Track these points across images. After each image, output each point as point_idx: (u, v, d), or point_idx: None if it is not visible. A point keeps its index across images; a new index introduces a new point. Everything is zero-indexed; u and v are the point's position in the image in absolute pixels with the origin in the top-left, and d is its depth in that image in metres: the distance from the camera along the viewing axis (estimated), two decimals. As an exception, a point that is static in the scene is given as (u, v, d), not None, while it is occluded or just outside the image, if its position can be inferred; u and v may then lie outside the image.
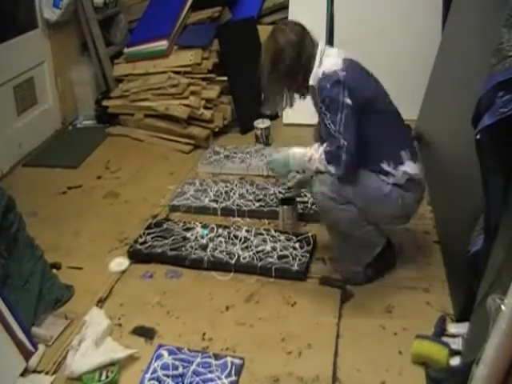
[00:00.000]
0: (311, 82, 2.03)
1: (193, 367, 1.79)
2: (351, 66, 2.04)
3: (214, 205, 2.74)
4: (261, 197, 2.77)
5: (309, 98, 2.16)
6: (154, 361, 1.83)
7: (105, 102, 3.80)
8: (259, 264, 2.26)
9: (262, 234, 2.45)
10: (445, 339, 1.78)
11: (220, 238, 2.45)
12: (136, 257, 2.41)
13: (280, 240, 2.41)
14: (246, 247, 2.38)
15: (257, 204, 2.72)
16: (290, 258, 2.28)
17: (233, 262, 2.29)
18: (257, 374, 1.79)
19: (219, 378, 1.75)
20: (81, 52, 4.03)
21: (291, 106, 2.17)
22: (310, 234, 2.42)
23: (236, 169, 3.13)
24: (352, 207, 2.00)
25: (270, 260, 2.28)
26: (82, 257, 2.44)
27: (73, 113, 3.96)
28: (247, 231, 2.48)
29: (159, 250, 2.40)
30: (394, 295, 2.09)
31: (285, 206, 2.52)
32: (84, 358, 1.80)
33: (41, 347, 1.92)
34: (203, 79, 3.57)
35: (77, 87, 3.93)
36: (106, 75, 3.92)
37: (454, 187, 2.30)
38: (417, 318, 1.97)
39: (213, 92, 3.57)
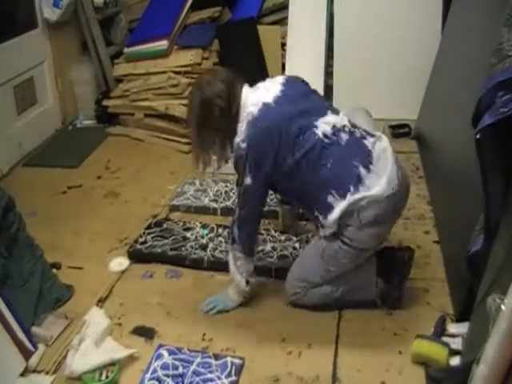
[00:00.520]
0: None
1: (193, 367, 1.79)
2: (254, 130, 1.83)
3: (214, 205, 2.74)
4: (261, 197, 2.77)
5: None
6: (154, 361, 1.83)
7: (105, 102, 3.80)
8: (259, 264, 2.26)
9: (261, 234, 2.45)
10: (445, 339, 1.78)
11: (220, 238, 2.45)
12: (136, 257, 2.41)
13: (280, 240, 2.41)
14: (246, 247, 2.37)
15: (257, 204, 2.71)
16: (290, 258, 2.28)
17: (233, 261, 2.29)
18: (257, 373, 1.79)
19: (219, 378, 1.75)
20: (81, 52, 4.03)
21: (226, 162, 2.00)
22: (309, 234, 2.42)
23: (236, 169, 3.13)
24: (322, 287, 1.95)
25: (269, 260, 2.28)
26: (82, 257, 2.44)
27: (73, 113, 3.96)
28: (247, 231, 2.48)
29: (159, 250, 2.40)
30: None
31: (284, 206, 2.52)
32: (84, 357, 1.80)
33: (41, 347, 1.92)
34: (203, 79, 3.56)
35: (77, 87, 3.93)
36: (106, 75, 3.92)
37: (454, 187, 2.30)
38: (417, 318, 1.97)
39: (213, 92, 3.56)
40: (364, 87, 3.67)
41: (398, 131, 3.45)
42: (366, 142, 1.86)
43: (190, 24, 3.78)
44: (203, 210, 2.74)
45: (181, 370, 1.78)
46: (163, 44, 3.64)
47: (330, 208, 1.80)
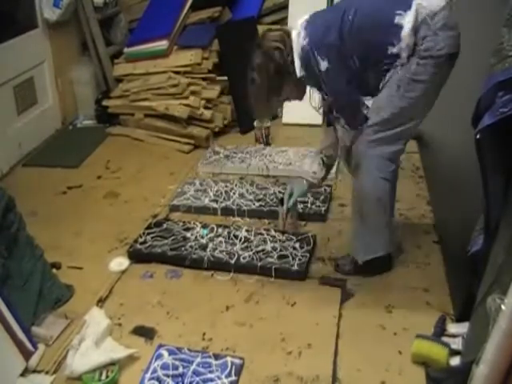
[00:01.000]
0: (298, 73, 2.06)
1: (193, 367, 1.79)
2: (310, 23, 2.08)
3: (214, 205, 2.74)
4: (261, 197, 2.77)
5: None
6: (154, 361, 1.83)
7: (105, 102, 3.80)
8: (259, 264, 2.26)
9: (261, 234, 2.45)
10: (445, 339, 1.78)
11: (220, 238, 2.45)
12: (136, 257, 2.41)
13: (280, 240, 2.41)
14: (246, 247, 2.38)
15: (257, 204, 2.72)
16: (290, 257, 2.28)
17: (233, 261, 2.29)
18: (257, 373, 1.79)
19: (219, 378, 1.75)
20: (81, 52, 4.03)
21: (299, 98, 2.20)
22: (309, 234, 2.42)
23: (236, 169, 3.13)
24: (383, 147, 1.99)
25: (269, 260, 2.28)
26: (82, 257, 2.44)
27: (73, 113, 3.96)
28: (247, 231, 2.48)
29: (159, 250, 2.40)
30: (393, 295, 2.09)
31: (283, 206, 2.52)
32: (84, 357, 1.80)
33: (41, 347, 1.92)
34: (203, 79, 3.57)
35: (77, 87, 3.94)
36: (106, 75, 3.92)
37: (454, 187, 2.31)
38: (417, 318, 1.97)
39: (213, 92, 3.57)
40: (364, 87, 3.67)
41: (397, 131, 3.45)
42: None
43: (189, 24, 3.78)
44: (203, 210, 2.74)
45: (181, 369, 1.78)
46: (163, 44, 3.65)
47: (399, 28, 1.86)
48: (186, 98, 3.46)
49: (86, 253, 2.47)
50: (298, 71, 2.05)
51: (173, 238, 2.48)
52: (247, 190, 2.84)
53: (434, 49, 1.88)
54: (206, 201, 2.78)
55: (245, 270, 2.27)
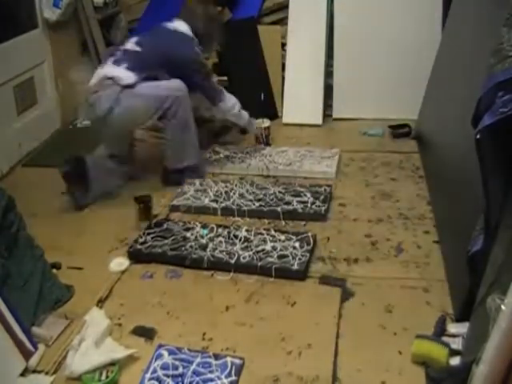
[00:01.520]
0: None
1: (193, 367, 1.79)
2: None
3: (214, 205, 2.74)
4: (261, 197, 2.77)
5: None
6: (154, 361, 1.83)
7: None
8: (259, 264, 2.26)
9: (261, 234, 2.45)
10: (445, 339, 1.78)
11: (220, 238, 2.45)
12: (136, 257, 2.41)
13: (280, 240, 2.41)
14: (246, 247, 2.38)
15: (257, 204, 2.72)
16: (290, 257, 2.28)
17: (233, 261, 2.29)
18: (257, 373, 1.79)
19: (219, 378, 1.75)
20: (81, 52, 4.03)
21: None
22: (309, 234, 2.42)
23: (236, 168, 3.13)
24: None
25: (269, 260, 2.28)
26: (82, 257, 2.44)
27: (73, 113, 3.96)
28: (247, 231, 2.48)
29: (159, 250, 2.40)
30: (393, 295, 2.09)
31: (141, 205, 2.62)
32: (84, 357, 1.80)
33: (41, 347, 1.92)
34: (203, 79, 3.56)
35: (77, 87, 3.93)
36: (106, 75, 3.91)
37: (454, 187, 2.30)
38: (417, 318, 1.96)
39: (213, 92, 3.56)
40: (364, 87, 3.68)
41: (397, 131, 3.46)
42: None
43: (189, 24, 3.77)
44: (203, 210, 2.74)
45: (181, 369, 1.78)
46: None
47: None
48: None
49: (86, 253, 2.47)
50: None
51: (173, 238, 2.48)
52: (247, 190, 2.84)
53: None
54: (206, 201, 2.78)
55: (245, 270, 2.26)
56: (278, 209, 2.64)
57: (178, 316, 2.07)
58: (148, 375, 1.77)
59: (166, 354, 1.85)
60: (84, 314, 2.02)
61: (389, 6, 3.57)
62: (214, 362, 1.81)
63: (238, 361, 1.81)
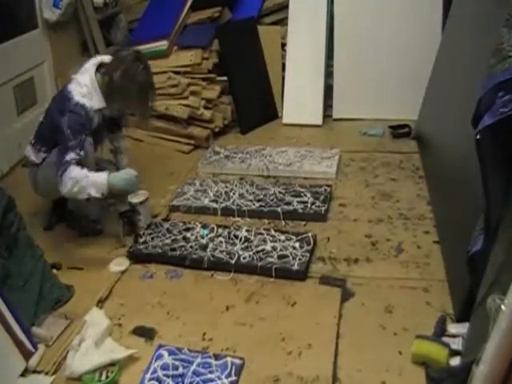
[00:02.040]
0: None
1: (193, 367, 1.79)
2: None
3: (214, 205, 2.74)
4: (261, 197, 2.77)
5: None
6: (154, 361, 1.83)
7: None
8: (259, 264, 2.26)
9: (261, 234, 2.45)
10: (445, 339, 1.78)
11: (220, 238, 2.45)
12: (136, 257, 2.41)
13: (280, 240, 2.41)
14: (246, 247, 2.38)
15: (257, 204, 2.72)
16: (290, 257, 2.28)
17: (233, 261, 2.29)
18: (257, 374, 1.79)
19: (219, 378, 1.75)
20: (81, 52, 4.03)
21: None
22: (310, 234, 2.42)
23: (236, 169, 3.13)
24: None
25: (270, 260, 2.28)
26: (82, 257, 2.44)
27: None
28: (247, 231, 2.48)
29: (159, 250, 2.40)
30: (394, 295, 2.09)
31: (125, 219, 2.51)
32: (84, 358, 1.80)
33: (41, 347, 1.92)
34: (203, 79, 3.57)
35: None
36: (106, 75, 3.91)
37: (454, 187, 2.30)
38: (417, 317, 1.96)
39: (213, 92, 3.57)
40: (364, 87, 3.68)
41: (398, 131, 3.46)
42: None
43: (190, 24, 3.78)
44: (203, 211, 2.74)
45: (181, 370, 1.78)
46: (163, 44, 3.65)
47: None
48: (186, 98, 3.46)
49: (86, 253, 2.47)
50: None
51: (173, 238, 2.48)
52: (247, 190, 2.84)
53: None
54: (206, 201, 2.78)
55: (245, 270, 2.27)
56: (278, 209, 2.64)
57: (178, 316, 2.07)
58: (148, 375, 1.77)
59: (166, 354, 1.85)
60: (84, 314, 2.03)
61: (389, 7, 3.57)
62: (214, 362, 1.81)
63: (238, 361, 1.81)
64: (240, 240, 2.42)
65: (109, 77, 2.34)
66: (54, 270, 2.29)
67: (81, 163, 2.28)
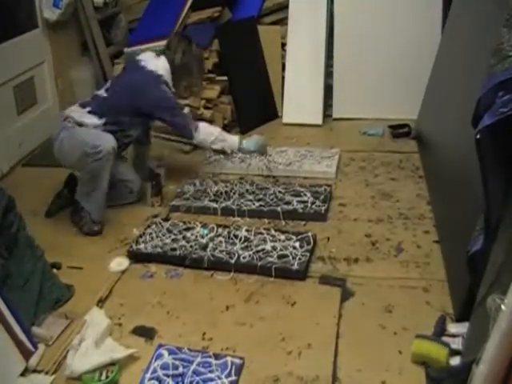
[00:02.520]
0: None
1: (193, 367, 1.79)
2: None
3: (214, 205, 2.74)
4: (261, 196, 2.77)
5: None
6: (154, 360, 1.83)
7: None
8: (259, 263, 2.26)
9: (261, 234, 2.45)
10: (445, 339, 1.78)
11: (220, 238, 2.45)
12: (136, 257, 2.41)
13: (280, 239, 2.41)
14: (246, 247, 2.38)
15: (257, 204, 2.72)
16: (290, 257, 2.28)
17: (233, 261, 2.29)
18: (257, 373, 1.79)
19: (219, 378, 1.75)
20: (81, 52, 4.03)
21: None
22: (309, 234, 2.42)
23: (236, 169, 3.13)
24: None
25: (269, 259, 2.28)
26: (82, 257, 2.44)
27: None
28: (247, 231, 2.48)
29: (159, 250, 2.40)
30: (393, 295, 2.09)
31: (153, 182, 2.80)
32: (84, 357, 1.80)
33: (41, 347, 1.92)
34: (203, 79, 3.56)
35: (77, 87, 3.93)
36: (106, 75, 3.92)
37: (454, 187, 2.30)
38: (417, 317, 1.96)
39: (213, 92, 3.57)
40: (364, 87, 3.68)
41: (397, 131, 3.46)
42: None
43: (189, 24, 3.78)
44: (203, 210, 2.74)
45: (181, 369, 1.78)
46: (163, 44, 3.64)
47: None
48: (186, 98, 3.45)
49: (86, 253, 2.48)
50: None
51: (173, 238, 2.48)
52: (247, 190, 2.85)
53: None
54: (206, 201, 2.78)
55: (245, 270, 2.27)
56: (278, 209, 2.64)
57: (178, 316, 2.07)
58: (148, 375, 1.77)
59: (166, 353, 1.85)
60: (84, 313, 2.02)
61: (389, 7, 3.57)
62: (214, 361, 1.81)
63: (238, 360, 1.81)
64: (240, 240, 2.42)
65: (172, 60, 2.78)
66: (54, 270, 2.29)
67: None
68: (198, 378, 1.75)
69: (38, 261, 2.16)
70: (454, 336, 1.80)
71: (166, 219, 2.67)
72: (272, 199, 2.74)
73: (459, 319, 1.87)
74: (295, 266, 2.23)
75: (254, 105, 3.73)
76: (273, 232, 2.47)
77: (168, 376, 1.76)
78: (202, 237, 2.47)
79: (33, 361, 1.85)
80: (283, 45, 3.82)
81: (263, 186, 2.88)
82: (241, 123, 3.66)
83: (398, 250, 2.35)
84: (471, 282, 1.77)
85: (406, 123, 3.48)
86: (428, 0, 3.51)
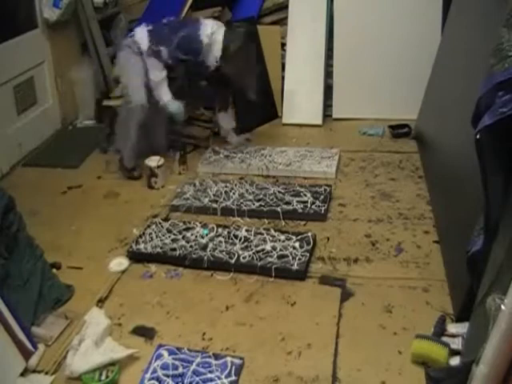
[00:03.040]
0: None
1: (193, 367, 1.79)
2: None
3: (214, 205, 2.74)
4: (260, 197, 2.77)
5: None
6: (153, 361, 1.83)
7: (105, 102, 3.80)
8: (259, 264, 2.26)
9: (261, 234, 2.45)
10: (445, 339, 1.78)
11: (220, 238, 2.45)
12: (136, 257, 2.41)
13: (280, 239, 2.41)
14: (246, 247, 2.38)
15: (257, 204, 2.72)
16: (290, 257, 2.28)
17: (233, 261, 2.29)
18: (257, 373, 1.79)
19: (219, 378, 1.75)
20: (81, 52, 4.03)
21: None
22: (309, 234, 2.42)
23: (236, 169, 3.13)
24: None
25: (269, 259, 2.28)
26: (82, 257, 2.44)
27: (73, 113, 3.96)
28: (247, 231, 2.48)
29: (159, 250, 2.40)
30: (393, 295, 2.09)
31: (181, 152, 3.13)
32: (84, 357, 1.80)
33: (41, 347, 1.92)
34: (203, 79, 3.56)
35: (77, 87, 3.93)
36: (106, 75, 3.92)
37: (454, 187, 2.30)
38: (417, 317, 1.97)
39: (213, 92, 3.56)
40: (364, 87, 3.67)
41: (397, 131, 3.46)
42: None
43: (189, 24, 3.78)
44: (203, 210, 2.74)
45: (181, 369, 1.79)
46: (163, 44, 3.64)
47: None
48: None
49: (86, 253, 2.47)
50: None
51: (173, 238, 2.48)
52: (247, 190, 2.85)
53: None
54: (206, 201, 2.78)
55: (245, 270, 2.27)
56: (278, 209, 2.65)
57: (177, 316, 2.07)
58: (148, 375, 1.78)
59: (165, 353, 1.85)
60: (84, 313, 2.02)
61: (389, 7, 3.57)
62: (213, 361, 1.81)
63: (237, 361, 1.81)
64: (240, 240, 2.42)
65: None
66: (54, 270, 2.29)
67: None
68: (197, 379, 1.75)
69: (38, 261, 2.16)
70: (453, 336, 1.80)
71: (166, 219, 2.67)
72: (272, 199, 2.74)
73: (459, 319, 1.87)
74: (295, 266, 2.23)
75: (254, 105, 3.73)
76: (273, 232, 2.47)
77: (168, 376, 1.76)
78: (202, 237, 2.47)
79: (33, 361, 1.85)
80: (283, 45, 3.82)
81: (263, 186, 2.88)
82: (241, 123, 3.65)
83: (397, 250, 2.35)
84: (471, 282, 1.77)
85: (406, 123, 3.48)
86: (428, 0, 3.51)
